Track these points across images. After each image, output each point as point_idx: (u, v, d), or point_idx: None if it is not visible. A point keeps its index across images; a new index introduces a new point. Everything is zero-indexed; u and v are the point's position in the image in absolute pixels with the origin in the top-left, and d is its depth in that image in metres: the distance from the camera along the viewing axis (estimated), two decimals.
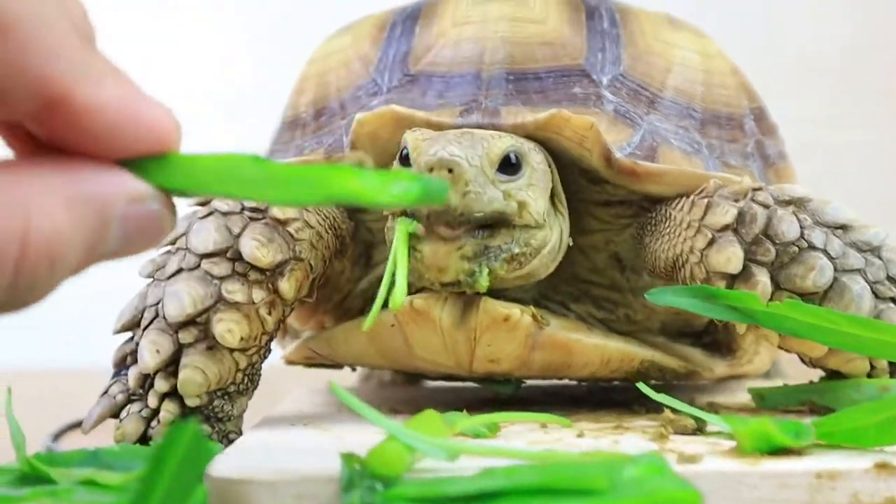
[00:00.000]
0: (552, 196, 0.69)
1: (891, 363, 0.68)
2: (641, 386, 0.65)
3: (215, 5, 1.75)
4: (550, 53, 0.75)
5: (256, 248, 0.66)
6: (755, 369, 0.85)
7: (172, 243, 0.68)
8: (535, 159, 0.67)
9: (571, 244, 0.72)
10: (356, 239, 0.78)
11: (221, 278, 0.66)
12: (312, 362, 0.82)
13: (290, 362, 0.83)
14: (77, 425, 0.87)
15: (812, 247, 0.66)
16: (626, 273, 0.77)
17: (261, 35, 1.71)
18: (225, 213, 0.67)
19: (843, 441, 0.56)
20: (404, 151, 0.65)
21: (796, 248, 0.66)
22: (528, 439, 0.61)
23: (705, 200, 0.69)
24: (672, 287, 0.67)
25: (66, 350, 1.55)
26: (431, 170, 0.60)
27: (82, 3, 0.41)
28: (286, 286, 0.67)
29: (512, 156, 0.64)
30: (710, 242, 0.67)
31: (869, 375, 0.69)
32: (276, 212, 0.67)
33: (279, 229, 0.67)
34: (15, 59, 0.36)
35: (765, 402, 0.73)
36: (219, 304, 0.65)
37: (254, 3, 1.76)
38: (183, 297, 0.65)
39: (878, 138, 1.74)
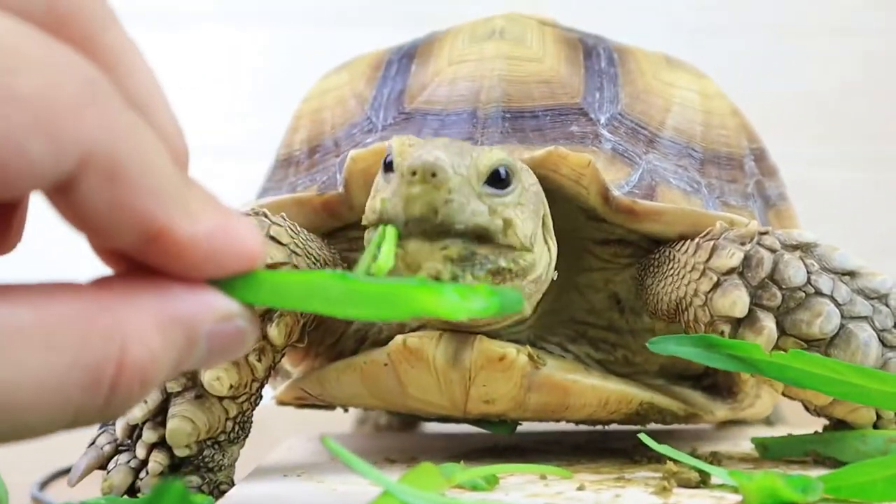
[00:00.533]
0: (543, 224, 0.67)
1: None
2: (643, 437, 0.63)
3: (218, 45, 1.75)
4: (548, 92, 0.74)
5: None
6: (756, 413, 0.84)
7: None
8: (529, 180, 0.64)
9: (556, 278, 0.69)
10: None
11: None
12: (304, 402, 0.80)
13: (281, 403, 0.82)
14: (64, 473, 0.85)
15: (819, 293, 0.65)
16: (626, 314, 0.76)
17: (263, 79, 1.71)
18: None
19: (851, 496, 0.54)
20: (388, 158, 0.62)
21: (803, 294, 0.65)
22: (527, 492, 0.60)
23: (711, 243, 0.68)
24: (674, 336, 0.66)
25: None
26: (414, 173, 0.57)
27: (178, 124, 0.42)
28: (275, 332, 0.65)
29: (502, 170, 0.61)
30: (715, 286, 0.66)
31: (875, 426, 0.68)
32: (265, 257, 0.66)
33: None
34: (122, 199, 0.37)
35: (768, 452, 0.71)
36: None
37: (257, 47, 1.76)
38: None
39: (870, 177, 1.74)
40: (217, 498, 0.65)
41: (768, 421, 1.05)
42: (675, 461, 0.62)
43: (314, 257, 0.69)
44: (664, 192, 0.71)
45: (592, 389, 0.70)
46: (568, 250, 0.72)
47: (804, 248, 0.66)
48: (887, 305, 0.66)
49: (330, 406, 0.81)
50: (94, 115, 0.36)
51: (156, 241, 0.39)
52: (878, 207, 1.67)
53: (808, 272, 0.65)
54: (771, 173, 0.82)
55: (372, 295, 0.43)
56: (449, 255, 0.59)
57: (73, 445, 0.68)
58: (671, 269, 0.70)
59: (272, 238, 0.66)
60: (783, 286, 0.65)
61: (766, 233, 0.67)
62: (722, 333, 0.66)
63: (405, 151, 0.61)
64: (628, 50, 0.80)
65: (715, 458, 0.70)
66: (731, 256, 0.66)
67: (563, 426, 1.04)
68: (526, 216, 0.63)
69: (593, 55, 0.78)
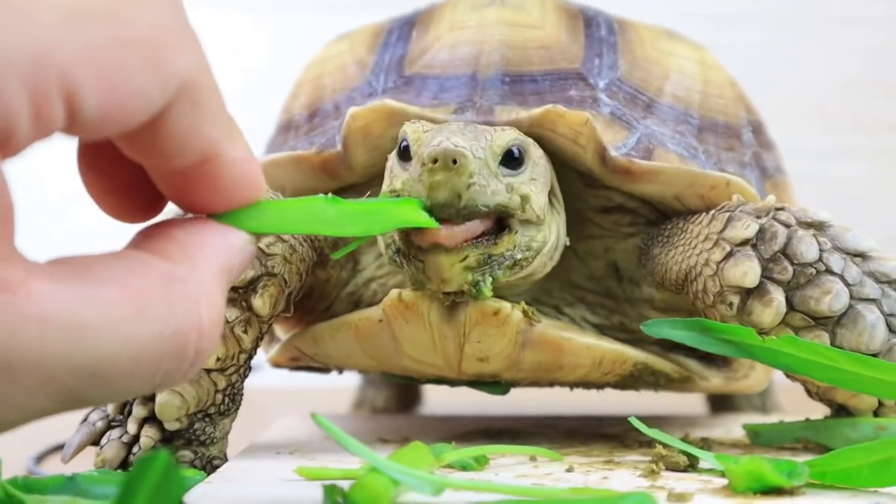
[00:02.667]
0: (551, 191, 0.68)
1: None
2: (633, 420, 0.63)
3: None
4: (547, 57, 0.75)
5: None
6: (750, 386, 0.84)
7: None
8: (536, 154, 0.66)
9: (569, 244, 0.70)
10: (341, 245, 0.76)
11: None
12: (298, 364, 0.80)
13: (275, 364, 0.81)
14: (60, 448, 0.85)
15: (830, 271, 0.65)
16: (623, 283, 0.76)
17: (270, 65, 1.71)
18: None
19: (837, 481, 0.55)
20: (403, 143, 0.63)
21: (814, 270, 0.65)
22: (516, 473, 0.60)
23: (726, 214, 0.68)
24: (668, 319, 0.66)
25: None
26: (435, 161, 0.58)
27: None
28: (260, 303, 0.66)
29: (515, 150, 0.63)
30: (728, 256, 0.66)
31: (876, 413, 0.68)
32: None
33: None
34: (199, 123, 0.41)
35: (759, 438, 0.72)
36: None
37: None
38: None
39: (878, 170, 1.74)
40: (210, 473, 0.65)
41: (763, 409, 1.06)
42: (665, 445, 0.62)
43: None
44: (662, 156, 0.72)
45: (587, 348, 0.70)
46: (569, 218, 0.73)
47: (818, 227, 0.67)
48: None
49: (324, 368, 0.80)
50: (186, 49, 0.40)
51: (208, 162, 0.43)
52: (886, 200, 1.67)
53: (820, 250, 0.65)
54: (768, 146, 0.83)
55: (361, 213, 0.50)
56: (468, 264, 0.62)
57: (70, 420, 0.68)
58: (682, 239, 0.70)
59: None
60: (795, 261, 0.65)
61: (782, 209, 0.67)
62: (730, 305, 0.66)
63: (421, 138, 0.62)
64: (628, 21, 0.80)
65: (706, 444, 0.71)
66: (747, 228, 0.66)
67: (557, 409, 1.05)
68: (539, 189, 0.65)
69: (593, 24, 0.78)
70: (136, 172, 0.45)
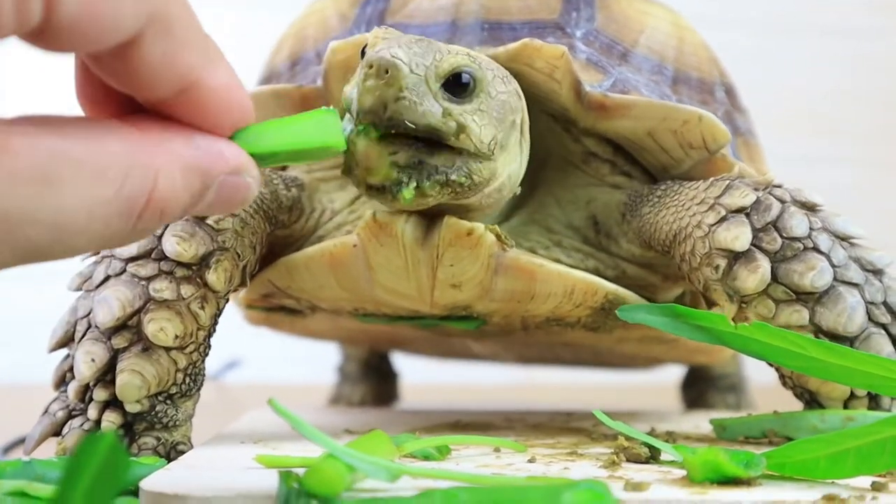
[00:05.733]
0: (521, 132, 0.68)
1: (870, 394, 0.67)
2: (598, 413, 0.63)
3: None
4: (526, 8, 0.75)
5: (178, 243, 0.65)
6: (720, 357, 0.85)
7: (97, 253, 0.67)
8: (498, 88, 0.64)
9: (518, 192, 0.70)
10: (305, 201, 0.76)
11: (148, 279, 0.65)
12: (271, 302, 0.79)
13: (248, 305, 0.81)
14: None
15: (817, 249, 0.66)
16: (601, 237, 0.76)
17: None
18: None
19: (794, 473, 0.55)
20: (365, 46, 0.63)
21: (801, 246, 0.66)
22: (478, 463, 0.60)
23: (726, 182, 0.69)
24: (643, 305, 0.68)
25: (21, 365, 1.54)
26: (370, 66, 0.58)
27: None
28: (213, 277, 0.66)
29: (465, 76, 0.62)
30: (721, 220, 0.67)
31: (847, 404, 0.68)
32: None
33: (200, 223, 0.66)
34: (173, 51, 0.43)
35: (726, 432, 0.72)
36: (148, 305, 0.64)
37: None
38: (111, 302, 0.64)
39: (858, 178, 1.74)
40: (173, 460, 0.65)
41: (737, 407, 1.06)
42: (628, 437, 0.62)
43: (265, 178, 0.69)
44: (635, 96, 0.72)
45: (559, 276, 0.70)
46: (553, 165, 0.73)
47: (810, 207, 0.68)
48: (881, 281, 0.67)
49: (297, 309, 0.79)
50: None
51: (190, 90, 0.44)
52: (869, 207, 1.68)
53: (810, 228, 0.67)
54: (740, 109, 0.83)
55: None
56: (397, 160, 0.60)
57: (38, 413, 0.68)
58: (675, 200, 0.71)
59: None
60: (784, 234, 0.66)
61: (779, 186, 0.69)
62: (716, 268, 0.66)
63: (376, 43, 0.61)
64: None
65: (671, 438, 0.71)
66: (745, 196, 0.67)
67: (527, 405, 1.05)
68: (486, 122, 0.63)
69: None
70: (131, 104, 0.46)
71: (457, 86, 0.61)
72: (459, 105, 0.61)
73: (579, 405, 1.06)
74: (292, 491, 0.49)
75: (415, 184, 0.61)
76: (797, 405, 0.71)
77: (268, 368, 1.63)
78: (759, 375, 1.04)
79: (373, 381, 1.17)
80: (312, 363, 1.36)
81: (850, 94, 1.79)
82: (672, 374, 1.17)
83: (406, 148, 0.60)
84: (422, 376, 1.36)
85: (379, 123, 0.59)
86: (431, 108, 0.60)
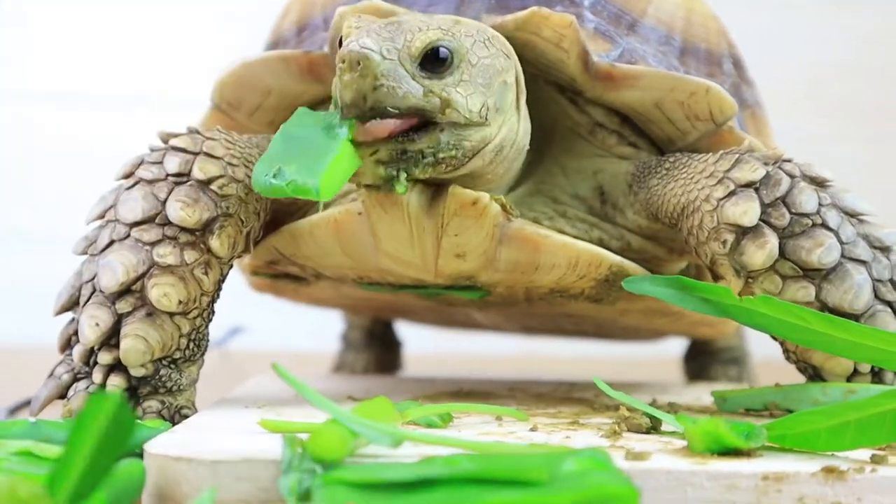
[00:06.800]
0: (517, 90, 0.68)
1: (873, 369, 0.67)
2: (597, 380, 0.64)
3: None
4: None
5: (182, 209, 0.65)
6: (724, 330, 0.86)
7: (102, 217, 0.67)
8: (479, 53, 0.64)
9: (527, 159, 0.70)
10: None
11: (152, 244, 0.65)
12: (276, 269, 0.79)
13: (253, 271, 0.81)
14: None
15: (825, 225, 0.66)
16: (606, 207, 0.76)
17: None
18: (150, 181, 0.67)
19: (794, 444, 0.55)
20: (340, 37, 0.64)
21: (809, 222, 0.66)
22: (480, 431, 0.60)
23: (735, 155, 0.69)
24: (649, 276, 0.68)
25: (29, 326, 1.55)
26: (343, 61, 0.59)
27: None
28: (217, 243, 0.66)
29: (441, 50, 0.62)
30: (730, 194, 0.67)
31: (850, 379, 0.68)
32: (198, 173, 0.66)
33: (204, 189, 0.66)
34: None
35: (727, 404, 0.72)
36: (152, 270, 0.65)
37: None
38: (116, 267, 0.64)
39: (866, 156, 1.74)
40: (178, 423, 0.65)
41: (739, 380, 1.06)
42: (629, 408, 0.63)
43: (254, 164, 0.69)
44: (643, 67, 0.72)
45: (563, 247, 0.70)
46: (559, 135, 0.73)
47: (820, 183, 0.68)
48: (888, 258, 0.67)
49: (301, 276, 0.80)
50: None
51: None
52: (877, 185, 1.67)
53: (819, 204, 0.66)
54: (748, 82, 0.83)
55: None
56: (379, 158, 0.61)
57: (43, 375, 0.68)
58: (684, 173, 0.71)
59: (206, 153, 0.67)
60: (793, 210, 0.66)
61: (789, 160, 0.69)
62: (724, 243, 0.66)
63: (350, 34, 0.62)
64: None
65: (672, 409, 0.71)
66: (755, 171, 0.67)
67: (530, 374, 1.05)
68: (472, 91, 0.63)
69: None
70: None
71: (435, 61, 0.62)
72: (440, 80, 0.62)
73: (582, 376, 1.07)
74: (296, 455, 0.50)
75: (405, 174, 0.62)
76: (799, 379, 0.71)
77: (271, 336, 1.64)
78: (761, 349, 1.05)
79: (376, 349, 1.17)
80: (316, 331, 1.36)
81: (858, 70, 1.78)
82: (674, 347, 1.17)
83: (384, 143, 0.61)
84: (425, 346, 1.36)
85: (363, 115, 0.60)
86: (411, 90, 0.61)
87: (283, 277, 0.81)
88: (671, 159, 0.73)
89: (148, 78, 1.76)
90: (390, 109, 0.60)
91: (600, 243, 0.74)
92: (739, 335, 1.08)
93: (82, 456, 0.40)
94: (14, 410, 0.83)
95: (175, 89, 1.72)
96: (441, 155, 0.62)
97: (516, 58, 0.68)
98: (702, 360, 1.11)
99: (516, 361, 1.44)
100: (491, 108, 0.64)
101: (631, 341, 1.10)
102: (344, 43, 0.60)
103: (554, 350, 1.35)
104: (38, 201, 1.75)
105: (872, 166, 1.74)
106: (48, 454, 0.52)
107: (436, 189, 0.66)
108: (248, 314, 1.48)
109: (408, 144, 0.61)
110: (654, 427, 0.62)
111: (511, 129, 0.67)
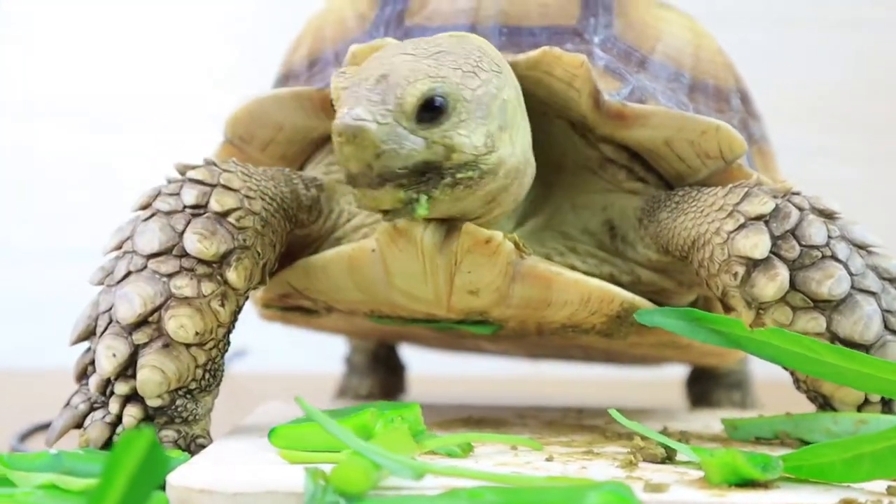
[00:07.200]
0: (518, 107, 0.67)
1: (883, 399, 0.68)
2: (613, 412, 0.64)
3: None
4: (544, 13, 0.76)
5: (199, 241, 0.66)
6: (731, 360, 0.87)
7: (119, 248, 0.68)
8: (472, 85, 0.63)
9: (534, 195, 0.71)
10: (324, 202, 0.77)
11: (169, 275, 0.65)
12: (287, 302, 0.80)
13: (264, 304, 0.82)
14: (44, 427, 0.86)
15: (835, 257, 0.67)
16: (616, 241, 0.76)
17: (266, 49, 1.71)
18: (167, 213, 0.67)
19: (811, 476, 0.55)
20: (332, 97, 0.64)
21: (819, 254, 0.67)
22: (496, 461, 0.61)
23: (744, 189, 0.70)
24: (661, 308, 0.69)
25: (33, 350, 1.55)
26: (340, 135, 0.59)
27: None
28: (234, 276, 0.66)
29: (436, 99, 0.61)
30: (740, 227, 0.68)
31: (860, 409, 0.68)
32: (216, 205, 0.67)
33: (221, 221, 0.67)
34: None
35: (738, 432, 0.73)
36: (169, 301, 0.65)
37: None
38: (133, 298, 0.65)
39: (865, 172, 1.75)
40: (194, 452, 0.65)
41: (742, 405, 1.07)
42: (643, 437, 0.63)
43: (270, 197, 0.70)
44: (653, 106, 0.73)
45: (575, 283, 0.70)
46: (568, 170, 0.74)
47: (828, 215, 0.69)
48: None
49: (313, 309, 0.80)
50: None
51: None
52: (877, 202, 1.68)
53: (828, 236, 0.67)
54: (755, 116, 0.84)
55: None
56: (397, 195, 0.61)
57: (54, 400, 0.69)
58: (694, 206, 0.71)
59: (223, 186, 0.68)
60: (803, 242, 0.67)
61: (797, 193, 0.69)
62: (735, 275, 0.67)
63: (340, 96, 0.61)
64: None
65: (684, 437, 0.72)
66: (764, 204, 0.68)
67: (538, 401, 1.06)
68: (473, 127, 0.63)
69: None
70: None
71: (431, 110, 0.61)
72: (439, 127, 0.61)
73: (585, 400, 1.07)
74: (319, 488, 0.50)
75: (425, 196, 0.62)
76: (803, 401, 0.72)
77: (272, 358, 1.63)
78: (763, 372, 1.05)
79: (380, 373, 1.17)
80: (316, 352, 1.36)
81: (858, 87, 1.80)
82: (676, 370, 1.18)
83: (398, 182, 0.61)
84: (427, 367, 1.37)
85: (372, 182, 0.60)
86: (414, 145, 0.60)
87: (294, 310, 0.82)
88: (681, 193, 0.74)
89: (143, 97, 1.77)
90: (398, 171, 0.60)
91: (611, 278, 0.75)
92: (742, 360, 1.08)
93: (116, 492, 0.41)
94: (25, 437, 0.83)
95: (173, 109, 1.73)
96: (459, 175, 0.62)
97: (508, 66, 0.68)
98: (704, 385, 1.12)
99: (517, 383, 1.44)
100: (495, 132, 0.64)
101: (637, 366, 1.10)
102: (337, 114, 0.59)
103: (554, 372, 1.35)
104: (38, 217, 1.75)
105: (873, 183, 1.75)
106: (73, 487, 0.52)
107: (449, 226, 0.67)
108: (249, 336, 1.48)
109: (419, 176, 0.61)
110: (669, 457, 0.62)
111: (522, 140, 0.67)
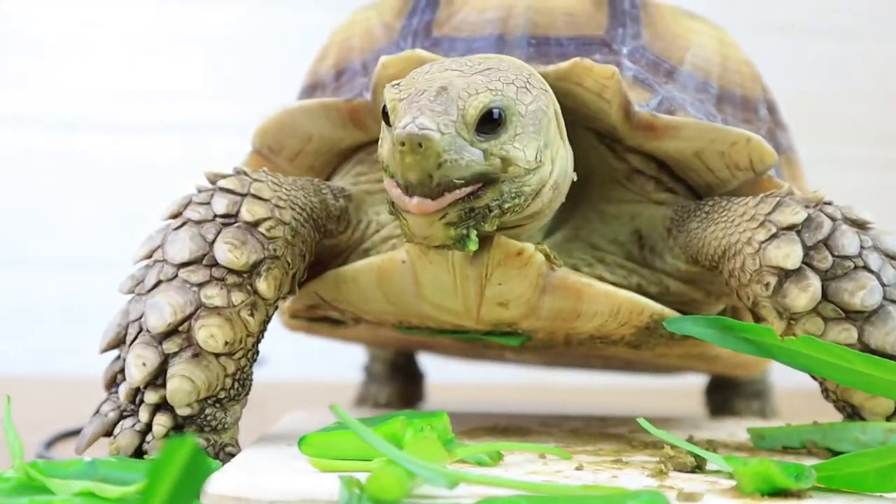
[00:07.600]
0: (557, 124, 0.68)
1: None
2: (642, 421, 0.64)
3: None
4: (572, 23, 0.76)
5: (230, 250, 0.66)
6: (757, 370, 0.87)
7: (149, 256, 0.68)
8: (525, 100, 0.64)
9: (576, 179, 0.71)
10: (352, 212, 0.77)
11: (200, 285, 0.66)
12: (315, 313, 0.80)
13: (292, 315, 0.82)
14: (69, 434, 0.86)
15: (867, 268, 0.67)
16: (645, 251, 0.76)
17: (280, 58, 1.72)
18: (198, 222, 0.67)
19: (844, 486, 0.56)
20: (385, 108, 0.63)
21: (852, 264, 0.67)
22: (526, 469, 0.61)
23: (776, 199, 0.70)
24: (691, 317, 0.69)
25: (58, 357, 1.56)
26: (403, 143, 0.59)
27: None
28: (264, 286, 0.67)
29: (494, 111, 0.62)
30: (772, 237, 0.68)
31: (890, 419, 0.68)
32: (246, 214, 0.67)
33: (252, 231, 0.67)
34: None
35: (764, 441, 0.73)
36: (199, 311, 0.65)
37: None
38: (163, 308, 0.65)
39: (873, 181, 1.75)
40: (223, 461, 0.66)
41: (762, 414, 1.07)
42: (673, 446, 0.63)
43: (300, 206, 0.71)
44: (683, 117, 0.73)
45: (605, 295, 0.71)
46: (596, 181, 0.74)
47: (860, 225, 0.69)
48: None
49: (340, 319, 0.80)
50: None
51: None
52: (884, 211, 1.68)
53: (861, 246, 0.67)
54: (782, 126, 0.84)
55: None
56: (449, 220, 0.61)
57: (79, 408, 0.69)
58: (724, 216, 0.71)
59: (253, 195, 0.68)
60: (835, 253, 0.67)
61: (829, 203, 0.70)
62: (766, 285, 0.67)
63: (396, 107, 0.62)
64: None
65: (711, 446, 0.72)
66: (796, 214, 0.68)
67: (562, 409, 1.06)
68: (526, 142, 0.63)
69: None
70: None
71: (490, 122, 0.62)
72: (497, 139, 0.62)
73: (605, 408, 1.07)
74: (354, 496, 0.50)
75: (475, 231, 0.62)
76: (822, 410, 0.72)
77: (288, 366, 1.64)
78: (782, 380, 1.05)
79: (400, 381, 1.17)
80: (332, 360, 1.37)
81: (865, 96, 1.80)
82: (695, 378, 1.18)
83: (452, 206, 0.61)
84: (442, 374, 1.37)
85: (430, 192, 0.60)
86: (473, 157, 0.61)
87: (320, 321, 0.82)
88: (710, 203, 0.74)
89: (148, 103, 1.77)
90: (456, 182, 0.60)
91: (639, 289, 0.75)
92: (765, 370, 1.08)
93: (160, 498, 0.41)
94: (51, 444, 0.84)
95: (177, 115, 1.74)
96: (506, 205, 0.63)
97: (549, 91, 0.69)
98: (724, 393, 1.11)
99: (534, 390, 1.44)
100: (542, 149, 0.65)
101: (657, 375, 1.10)
102: (398, 123, 0.60)
103: (569, 380, 1.35)
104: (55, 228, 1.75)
105: (881, 191, 1.75)
106: (109, 494, 0.53)
107: (480, 239, 0.67)
108: (265, 344, 1.49)
109: (474, 202, 0.62)
110: (698, 466, 0.62)
111: (562, 165, 0.68)
